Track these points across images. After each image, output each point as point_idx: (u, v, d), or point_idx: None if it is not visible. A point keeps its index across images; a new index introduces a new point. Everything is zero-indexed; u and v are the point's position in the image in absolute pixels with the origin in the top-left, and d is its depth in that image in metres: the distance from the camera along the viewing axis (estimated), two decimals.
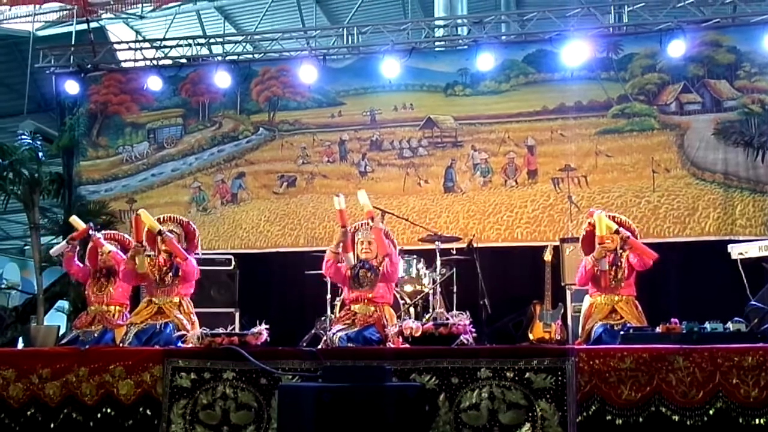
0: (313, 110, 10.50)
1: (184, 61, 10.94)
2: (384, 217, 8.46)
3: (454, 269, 8.35)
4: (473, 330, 5.40)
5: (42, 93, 13.55)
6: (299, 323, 8.62)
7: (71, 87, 10.74)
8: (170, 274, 6.40)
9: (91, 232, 6.88)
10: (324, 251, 6.62)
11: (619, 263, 6.20)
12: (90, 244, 6.93)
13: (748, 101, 9.29)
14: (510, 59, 10.00)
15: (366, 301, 6.16)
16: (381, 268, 6.17)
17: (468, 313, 5.55)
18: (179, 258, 6.37)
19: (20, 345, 8.36)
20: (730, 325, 4.94)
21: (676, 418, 4.44)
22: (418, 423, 4.42)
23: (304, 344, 7.78)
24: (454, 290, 8.35)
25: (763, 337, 4.82)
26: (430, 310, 8.00)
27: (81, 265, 6.95)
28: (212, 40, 11.42)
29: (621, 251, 6.21)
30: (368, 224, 6.28)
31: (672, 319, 5.07)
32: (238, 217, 10.45)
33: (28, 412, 5.34)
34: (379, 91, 10.35)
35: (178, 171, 10.77)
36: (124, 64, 11.62)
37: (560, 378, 4.64)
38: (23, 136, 10.25)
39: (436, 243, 8.29)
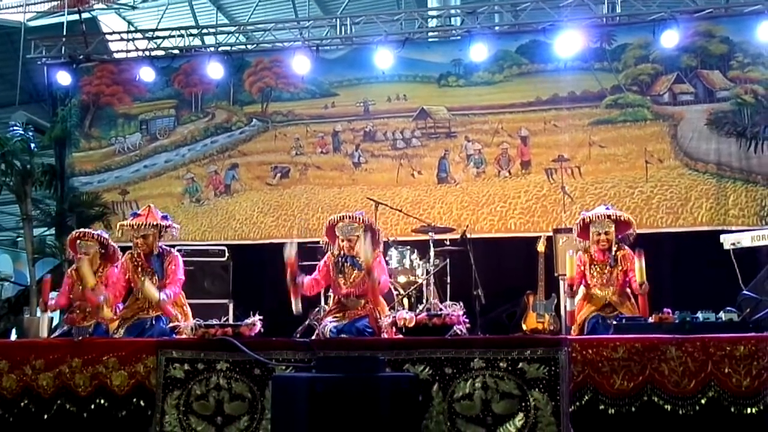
0: (307, 101, 10.49)
1: (176, 52, 10.92)
2: (378, 207, 8.50)
3: (448, 260, 8.35)
4: (467, 320, 5.39)
5: (34, 84, 13.47)
6: (293, 314, 8.60)
7: (63, 78, 10.71)
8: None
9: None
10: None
11: (614, 263, 6.20)
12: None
13: (741, 91, 9.32)
14: (503, 50, 10.00)
15: (356, 295, 6.15)
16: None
17: (461, 304, 5.53)
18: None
19: (13, 336, 8.35)
20: (722, 314, 4.94)
21: (669, 407, 4.45)
22: (412, 413, 4.43)
23: (298, 335, 7.78)
24: (448, 281, 8.36)
25: (755, 327, 4.83)
26: (424, 301, 8.01)
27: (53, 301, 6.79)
28: (205, 31, 11.38)
29: (617, 252, 6.21)
30: (351, 220, 6.19)
31: (664, 309, 5.07)
32: (232, 209, 10.45)
33: (22, 403, 5.32)
34: (373, 82, 10.35)
35: (171, 162, 10.76)
36: (116, 55, 11.59)
37: (553, 368, 4.64)
38: (15, 127, 10.21)
39: (430, 234, 8.30)
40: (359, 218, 6.22)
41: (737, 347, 4.44)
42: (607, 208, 6.44)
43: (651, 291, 6.00)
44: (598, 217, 6.27)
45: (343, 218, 6.22)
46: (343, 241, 6.15)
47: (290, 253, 6.01)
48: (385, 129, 10.24)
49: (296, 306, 6.05)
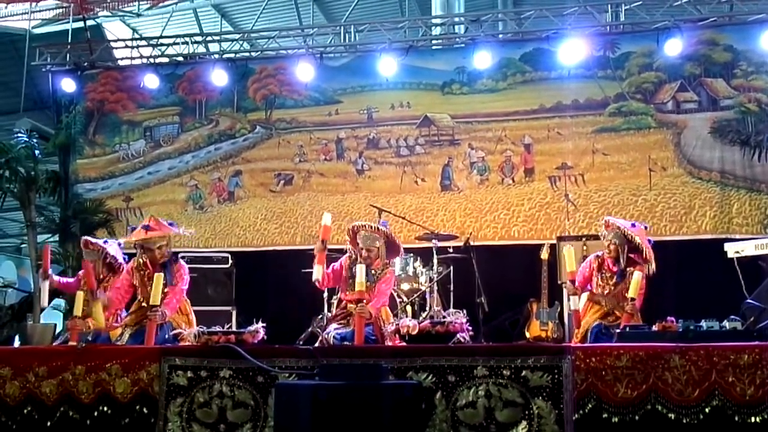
0: (310, 108, 10.50)
1: (180, 59, 10.93)
2: (381, 214, 8.49)
3: (451, 267, 8.35)
4: (470, 328, 5.39)
5: (38, 91, 13.50)
6: (296, 321, 8.60)
7: (68, 85, 10.74)
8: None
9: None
10: None
11: (620, 278, 6.17)
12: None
13: (745, 100, 9.31)
14: (507, 57, 10.00)
15: (363, 302, 6.13)
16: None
17: (465, 312, 5.53)
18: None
19: (16, 343, 8.34)
20: (726, 323, 4.94)
21: (672, 416, 4.45)
22: (415, 421, 4.43)
23: (301, 342, 7.77)
24: (451, 288, 8.36)
25: (759, 336, 4.82)
26: (427, 309, 8.01)
27: (64, 280, 6.78)
28: (209, 38, 11.41)
29: (626, 269, 6.17)
30: (372, 230, 6.24)
31: (668, 318, 5.07)
32: (235, 216, 10.45)
33: (25, 410, 5.33)
34: (376, 90, 10.35)
35: (174, 169, 10.76)
36: (120, 62, 11.63)
37: (557, 376, 4.64)
38: (20, 134, 10.23)
39: (433, 241, 8.30)
40: (380, 230, 6.24)
41: (741, 356, 4.44)
42: (633, 225, 6.39)
43: (655, 299, 5.99)
44: (610, 225, 6.27)
45: (364, 227, 6.28)
46: (362, 249, 6.17)
47: (326, 220, 6.22)
48: (389, 136, 10.25)
49: (317, 272, 6.07)
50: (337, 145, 10.38)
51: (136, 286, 6.41)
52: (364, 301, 5.79)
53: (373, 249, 6.19)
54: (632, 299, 5.89)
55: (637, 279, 5.91)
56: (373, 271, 6.18)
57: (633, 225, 6.42)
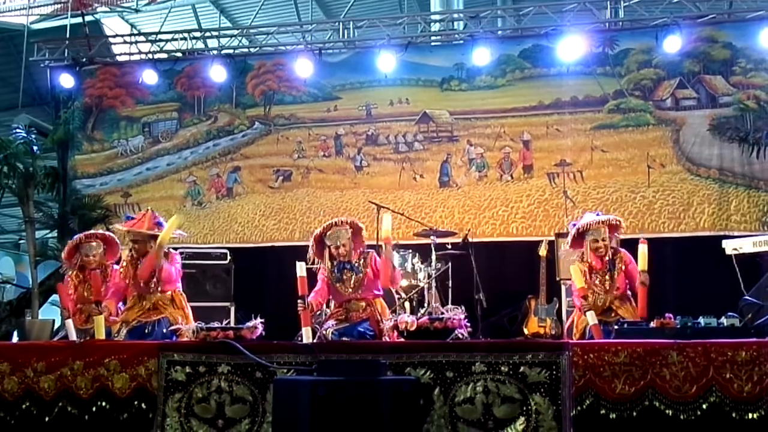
0: (309, 104, 10.51)
1: (179, 54, 10.94)
2: (380, 211, 8.50)
3: (450, 264, 8.36)
4: (468, 324, 5.39)
5: (37, 86, 13.50)
6: (294, 317, 8.57)
7: (66, 80, 10.73)
8: (153, 280, 6.30)
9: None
10: None
11: (613, 266, 6.18)
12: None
13: (744, 97, 9.32)
14: (506, 54, 10.01)
15: (357, 299, 6.13)
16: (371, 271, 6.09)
17: (463, 308, 5.52)
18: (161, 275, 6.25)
19: (15, 339, 8.35)
20: (724, 320, 4.94)
21: (670, 412, 4.44)
22: (413, 417, 4.42)
23: (300, 338, 7.77)
24: (450, 285, 8.37)
25: (757, 332, 4.82)
26: (426, 305, 8.01)
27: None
28: (208, 34, 11.42)
29: (614, 255, 6.20)
30: (338, 226, 6.11)
31: (666, 314, 5.07)
32: (234, 212, 10.46)
33: (23, 406, 5.31)
34: (375, 86, 10.36)
35: (173, 165, 10.77)
36: (119, 58, 11.61)
37: (555, 372, 4.64)
38: (18, 130, 10.22)
39: (432, 237, 8.30)
40: (344, 222, 6.16)
41: (739, 352, 4.43)
42: (597, 214, 6.41)
43: (653, 296, 5.99)
44: (593, 225, 6.23)
45: (329, 227, 6.14)
46: (336, 248, 6.10)
47: (302, 272, 5.81)
48: (388, 133, 10.26)
49: (307, 335, 5.70)
50: (336, 141, 10.38)
51: (129, 283, 6.38)
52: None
53: (345, 243, 6.09)
54: (643, 271, 5.88)
55: (643, 251, 5.91)
56: (356, 264, 6.14)
57: (597, 214, 6.44)
